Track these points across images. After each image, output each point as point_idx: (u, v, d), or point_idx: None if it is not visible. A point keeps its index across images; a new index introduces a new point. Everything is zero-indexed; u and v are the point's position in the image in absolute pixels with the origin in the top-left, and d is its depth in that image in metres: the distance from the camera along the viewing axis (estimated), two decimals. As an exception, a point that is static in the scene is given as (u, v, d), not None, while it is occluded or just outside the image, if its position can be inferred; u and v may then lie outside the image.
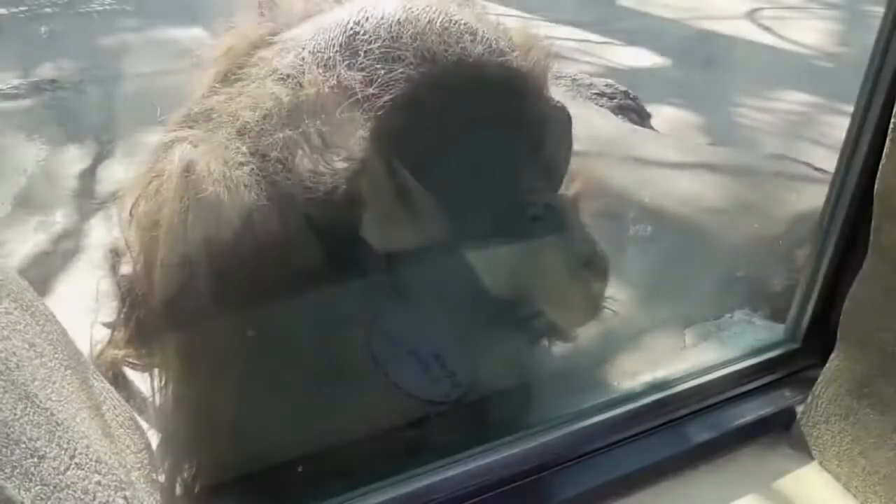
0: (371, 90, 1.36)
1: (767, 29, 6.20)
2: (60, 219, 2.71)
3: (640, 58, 5.49)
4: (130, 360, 1.71)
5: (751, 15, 6.55)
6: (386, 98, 1.36)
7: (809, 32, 6.07)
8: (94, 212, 2.67)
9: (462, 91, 1.44)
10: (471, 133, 1.46)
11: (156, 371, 1.56)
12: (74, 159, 3.11)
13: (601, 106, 3.95)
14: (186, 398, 1.51)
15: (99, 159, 3.07)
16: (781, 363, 1.85)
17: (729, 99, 4.87)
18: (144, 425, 1.58)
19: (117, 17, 5.34)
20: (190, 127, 1.44)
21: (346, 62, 1.38)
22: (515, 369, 1.73)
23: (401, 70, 1.37)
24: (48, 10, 5.23)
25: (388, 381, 1.47)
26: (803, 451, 1.72)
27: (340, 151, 1.35)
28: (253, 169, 1.33)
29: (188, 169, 1.33)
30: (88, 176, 2.99)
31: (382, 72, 1.36)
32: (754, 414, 1.74)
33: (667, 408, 1.72)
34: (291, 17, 1.54)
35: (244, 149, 1.35)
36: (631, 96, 4.14)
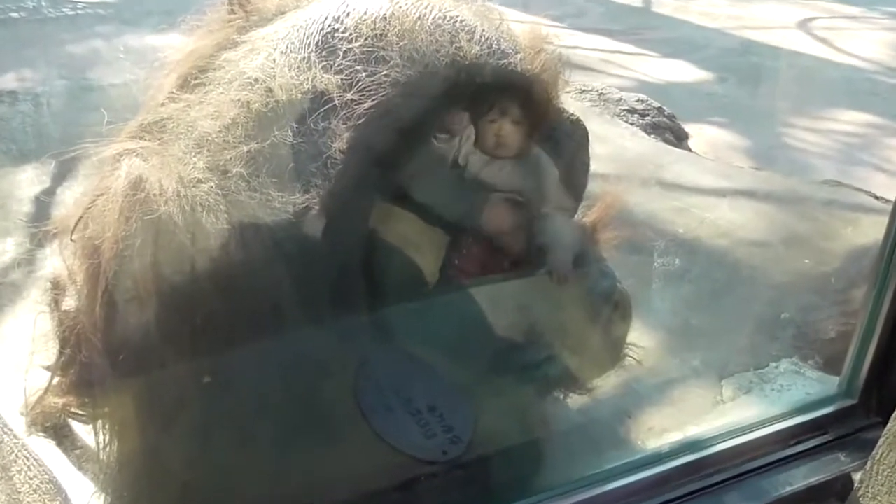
0: (350, 95, 1.35)
1: (822, 40, 6.21)
2: (10, 247, 2.69)
3: (677, 71, 5.51)
4: (73, 409, 1.71)
5: (803, 25, 6.57)
6: (367, 105, 1.34)
7: (870, 44, 6.07)
8: (49, 238, 2.65)
9: (451, 100, 1.43)
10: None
11: (102, 422, 1.52)
12: (31, 180, 3.10)
13: (631, 123, 3.95)
14: (137, 454, 1.48)
15: (58, 180, 3.05)
16: (835, 422, 1.81)
17: (777, 118, 4.86)
18: (86, 484, 1.55)
19: (90, 22, 5.40)
20: (141, 138, 1.42)
21: (323, 63, 1.37)
22: (523, 424, 1.70)
23: (385, 73, 1.36)
24: (14, 14, 5.30)
25: (373, 435, 1.45)
26: (862, 526, 1.66)
27: (315, 167, 1.34)
28: (212, 187, 1.32)
29: (136, 186, 1.31)
30: (46, 198, 2.97)
31: (364, 75, 1.35)
32: (803, 481, 1.69)
33: (700, 472, 1.67)
34: (264, 13, 1.54)
35: (202, 163, 1.33)
36: (666, 113, 4.14)
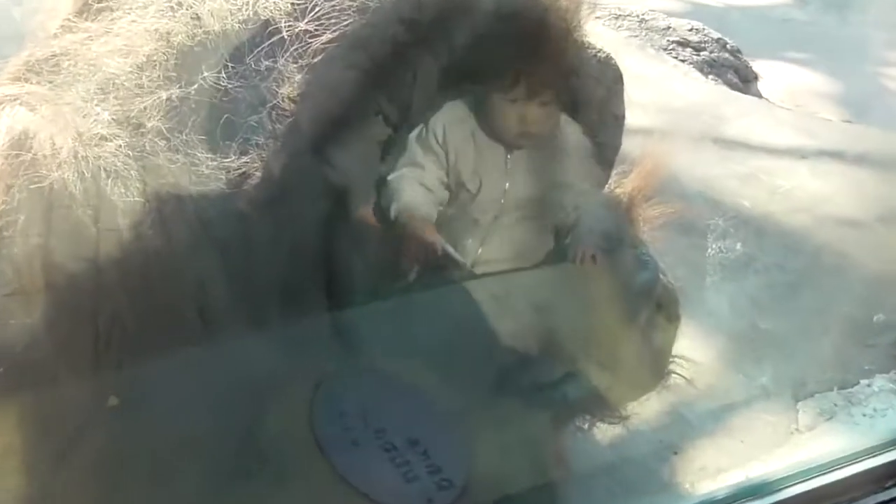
0: (304, 25, 1.34)
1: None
2: None
3: (743, -9, 5.52)
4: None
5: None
6: (326, 38, 1.33)
7: None
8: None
9: (441, 31, 1.41)
10: (456, 95, 1.46)
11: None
12: None
13: (682, 60, 3.97)
14: (22, 495, 1.45)
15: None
16: (946, 459, 1.80)
17: (874, 53, 4.86)
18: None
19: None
20: (27, 80, 1.40)
21: (269, -16, 1.37)
22: (535, 463, 1.67)
23: (349, -3, 1.35)
24: None
25: (334, 477, 1.42)
26: None
27: (256, 120, 1.33)
28: (121, 146, 1.30)
29: (20, 144, 1.29)
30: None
31: (322, -1, 1.35)
32: (903, 535, 1.69)
33: (768, 523, 1.67)
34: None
35: (108, 115, 1.32)
36: (728, 47, 4.16)
